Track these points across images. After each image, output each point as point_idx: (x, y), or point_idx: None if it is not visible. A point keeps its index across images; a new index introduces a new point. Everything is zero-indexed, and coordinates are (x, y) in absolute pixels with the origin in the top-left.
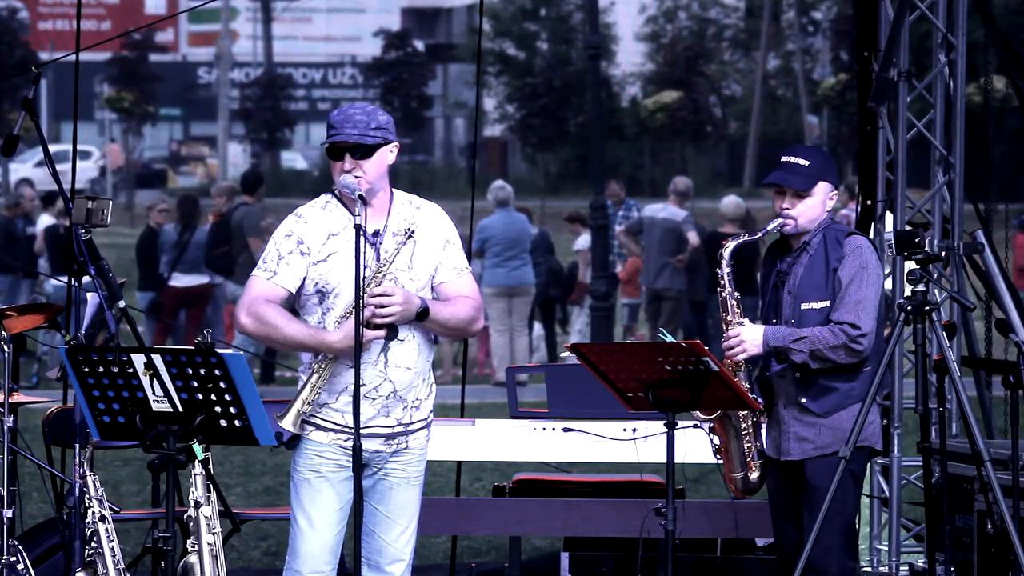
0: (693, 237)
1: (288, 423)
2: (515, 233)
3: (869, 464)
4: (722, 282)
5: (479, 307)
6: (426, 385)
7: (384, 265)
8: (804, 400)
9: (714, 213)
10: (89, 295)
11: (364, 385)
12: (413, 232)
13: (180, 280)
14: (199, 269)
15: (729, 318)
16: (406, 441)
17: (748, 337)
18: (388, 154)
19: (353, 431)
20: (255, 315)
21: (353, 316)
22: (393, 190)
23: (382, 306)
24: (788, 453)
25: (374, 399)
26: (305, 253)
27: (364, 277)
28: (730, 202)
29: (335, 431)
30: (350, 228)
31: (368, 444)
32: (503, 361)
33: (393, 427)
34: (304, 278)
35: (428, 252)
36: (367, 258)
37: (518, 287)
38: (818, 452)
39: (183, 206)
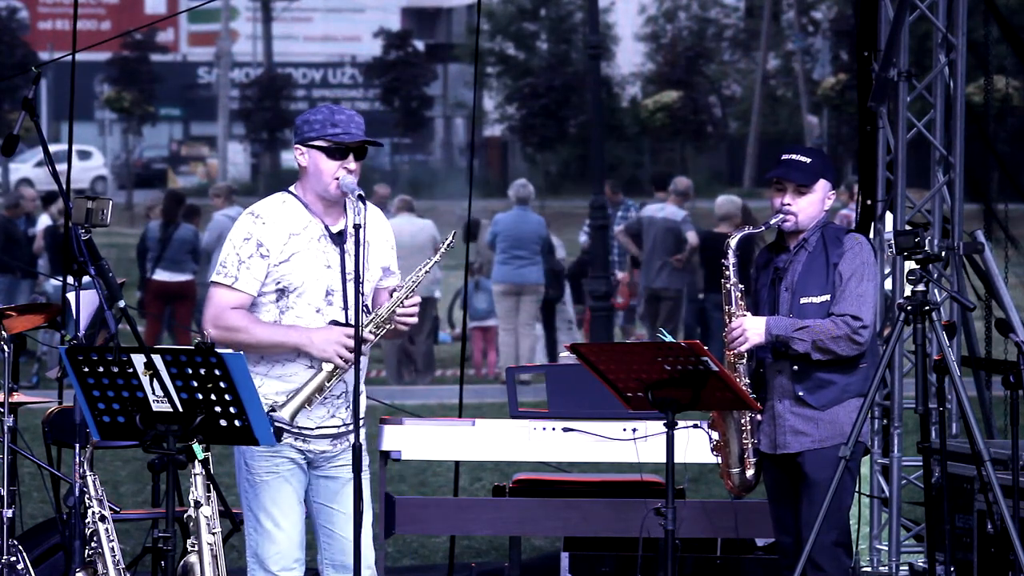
0: (692, 237)
1: (287, 413)
2: (524, 232)
3: (869, 464)
4: (727, 273)
5: None
6: (361, 385)
7: (418, 280)
8: (801, 393)
9: (713, 213)
10: (70, 296)
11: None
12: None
13: (161, 275)
14: (182, 267)
15: (732, 310)
16: (348, 440)
17: (750, 327)
18: None
19: (302, 431)
20: (221, 326)
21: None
22: None
23: (411, 315)
24: (785, 446)
25: (327, 399)
26: (265, 256)
27: (361, 280)
28: (723, 201)
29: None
30: (311, 228)
31: (317, 446)
32: (508, 360)
33: (338, 427)
34: (266, 278)
35: (377, 251)
36: (330, 259)
37: (525, 286)
38: (816, 445)
39: (168, 202)
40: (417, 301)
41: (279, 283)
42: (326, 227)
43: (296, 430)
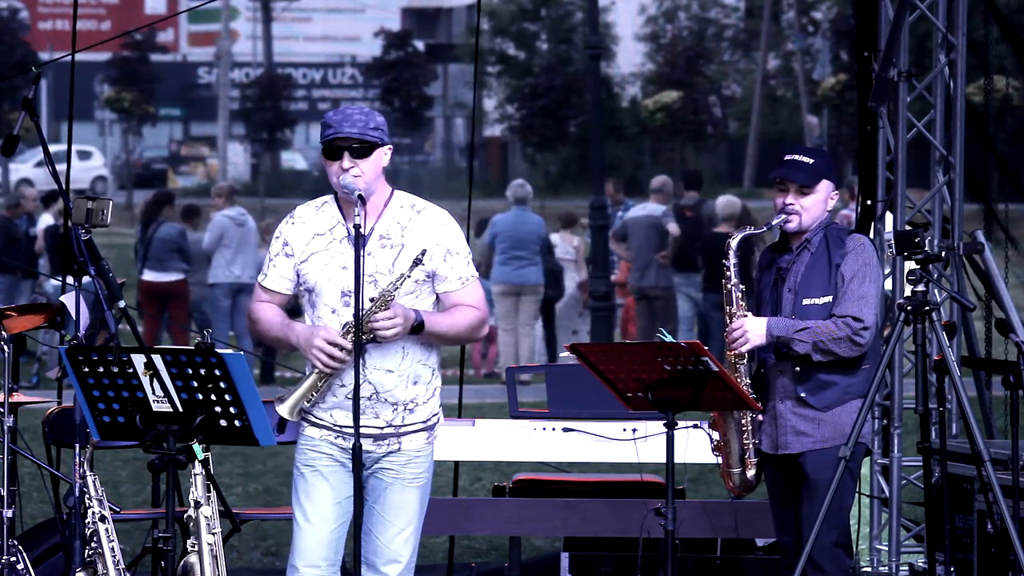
0: (673, 228)
1: (285, 410)
2: (524, 232)
3: (869, 464)
4: (727, 274)
5: (482, 316)
6: (424, 387)
7: (388, 292)
8: (803, 394)
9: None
10: (66, 297)
11: (344, 387)
12: (419, 261)
13: (149, 276)
14: (167, 266)
15: (733, 310)
16: (398, 442)
17: (751, 328)
18: (384, 155)
19: (343, 430)
20: (249, 318)
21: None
22: (395, 192)
23: (385, 328)
24: (786, 447)
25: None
26: (290, 255)
27: (363, 286)
28: (724, 201)
29: (327, 429)
30: (336, 229)
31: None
32: (508, 360)
33: (382, 428)
34: (297, 277)
35: (414, 254)
36: (347, 261)
37: (525, 286)
38: (818, 446)
39: (148, 203)
40: (392, 315)
41: (305, 283)
42: (349, 229)
43: (326, 426)
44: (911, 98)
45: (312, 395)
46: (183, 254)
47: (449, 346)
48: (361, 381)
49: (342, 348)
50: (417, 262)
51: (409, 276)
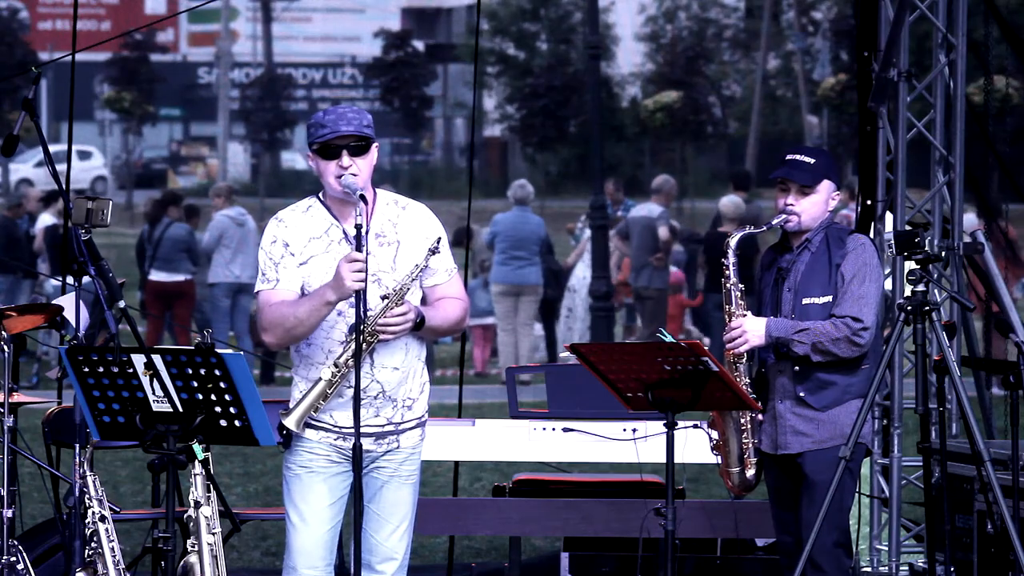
0: (663, 232)
1: (292, 422)
2: (524, 233)
3: (869, 464)
4: (727, 273)
5: (466, 307)
6: (418, 384)
7: (406, 285)
8: (802, 393)
9: (714, 213)
10: (65, 299)
11: (351, 387)
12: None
13: (156, 276)
14: (176, 266)
15: (732, 309)
16: (397, 440)
17: (750, 328)
18: (375, 152)
19: (343, 430)
20: (269, 326)
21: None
22: (377, 190)
23: (394, 324)
24: (786, 447)
25: (362, 399)
26: (293, 255)
27: (365, 280)
28: (729, 201)
29: (325, 430)
30: (331, 231)
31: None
32: (508, 360)
33: (383, 426)
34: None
35: (412, 253)
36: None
37: (524, 286)
38: (816, 446)
39: (154, 203)
40: (406, 310)
41: (305, 287)
42: (345, 230)
43: (327, 427)
44: (911, 98)
45: (320, 403)
46: (192, 254)
47: (435, 338)
48: (369, 380)
49: (358, 260)
50: (434, 251)
51: (427, 266)
